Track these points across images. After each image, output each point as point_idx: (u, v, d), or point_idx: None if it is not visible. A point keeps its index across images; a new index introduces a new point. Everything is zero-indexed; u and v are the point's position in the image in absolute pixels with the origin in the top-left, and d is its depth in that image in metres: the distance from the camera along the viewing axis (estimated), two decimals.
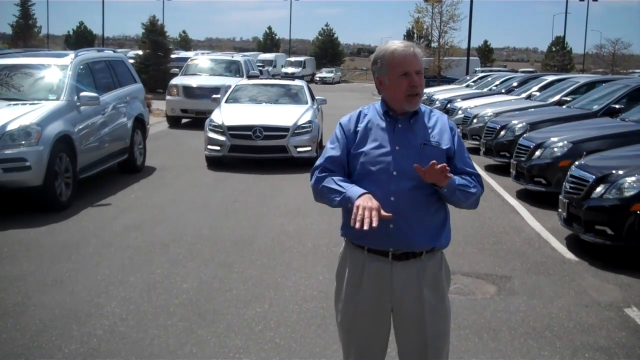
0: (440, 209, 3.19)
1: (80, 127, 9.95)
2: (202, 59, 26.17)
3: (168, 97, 21.18)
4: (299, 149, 12.83)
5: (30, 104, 9.53)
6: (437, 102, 23.48)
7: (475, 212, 9.39)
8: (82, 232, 8.07)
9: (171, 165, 13.04)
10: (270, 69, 52.01)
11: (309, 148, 12.91)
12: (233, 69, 24.19)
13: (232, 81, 18.31)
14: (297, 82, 16.05)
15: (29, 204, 9.03)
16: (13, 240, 7.66)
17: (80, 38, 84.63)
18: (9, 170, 8.55)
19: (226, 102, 14.52)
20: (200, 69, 24.00)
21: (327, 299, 5.81)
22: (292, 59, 71.62)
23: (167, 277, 6.42)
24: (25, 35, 70.96)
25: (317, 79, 67.30)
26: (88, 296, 5.88)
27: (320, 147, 14.17)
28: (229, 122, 12.88)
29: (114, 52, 14.21)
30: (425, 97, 27.68)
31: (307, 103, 14.41)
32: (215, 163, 12.96)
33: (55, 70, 10.48)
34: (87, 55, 11.48)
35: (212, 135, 12.86)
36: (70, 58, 10.74)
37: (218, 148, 12.76)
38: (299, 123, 12.98)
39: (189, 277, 6.42)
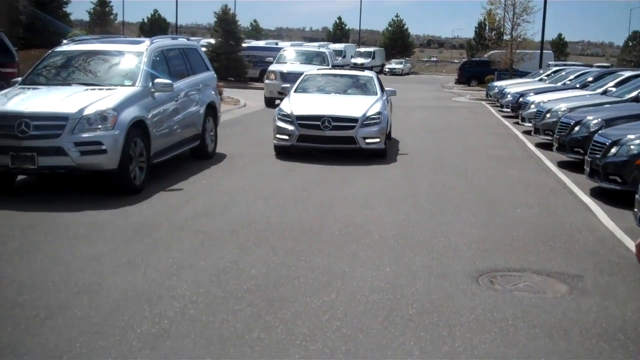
0: None
1: (154, 112, 10.14)
2: (290, 50, 30.00)
3: (267, 81, 24.77)
4: (367, 140, 12.63)
5: (106, 89, 9.77)
6: (509, 96, 23.04)
7: (547, 209, 9.26)
8: (155, 215, 8.24)
9: (241, 152, 13.18)
10: (339, 59, 52.18)
11: (378, 139, 12.71)
12: (319, 59, 27.63)
13: None
14: (367, 73, 15.79)
15: (105, 187, 9.26)
16: (88, 221, 7.88)
17: (154, 26, 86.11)
18: (86, 153, 8.78)
19: (295, 91, 14.45)
20: (291, 59, 27.52)
21: (394, 291, 5.82)
22: (362, 49, 71.39)
23: (236, 262, 6.50)
24: (102, 22, 72.70)
25: (387, 70, 66.98)
26: (160, 278, 6.01)
27: (388, 138, 14.07)
28: (297, 112, 12.81)
29: (188, 40, 14.44)
30: (496, 90, 27.25)
31: (376, 94, 14.18)
32: (283, 152, 12.92)
33: (131, 56, 10.70)
34: (161, 42, 11.69)
35: (280, 124, 12.84)
36: (145, 45, 10.96)
37: (286, 137, 12.73)
38: (368, 114, 12.78)
39: (257, 263, 6.49)
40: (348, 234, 7.65)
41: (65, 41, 11.95)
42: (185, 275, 6.11)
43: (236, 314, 5.24)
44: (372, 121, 12.73)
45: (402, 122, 19.58)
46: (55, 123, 8.77)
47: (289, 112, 12.87)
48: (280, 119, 12.92)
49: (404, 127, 18.43)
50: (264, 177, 10.97)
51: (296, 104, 13.29)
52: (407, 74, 68.30)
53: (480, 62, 48.60)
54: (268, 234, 7.56)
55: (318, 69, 16.90)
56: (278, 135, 12.87)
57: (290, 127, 12.69)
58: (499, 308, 5.53)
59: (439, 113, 24.74)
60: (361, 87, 14.68)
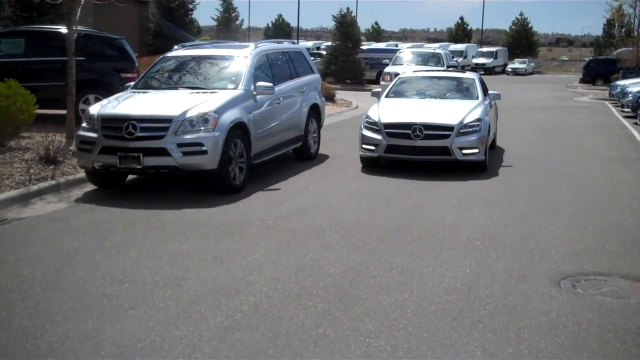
0: None
1: (256, 115, 10.45)
2: (407, 52, 31.39)
3: (382, 83, 25.13)
4: (464, 151, 11.19)
5: (210, 92, 10.18)
6: (630, 95, 22.05)
7: None
8: (249, 214, 8.53)
9: (344, 154, 13.29)
10: (460, 59, 51.59)
11: (477, 150, 11.24)
12: (435, 60, 28.80)
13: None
14: (468, 75, 14.45)
15: (206, 186, 9.65)
16: (187, 218, 8.27)
17: (278, 30, 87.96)
18: (188, 154, 9.19)
19: (386, 96, 13.20)
20: (407, 60, 28.67)
21: (469, 292, 5.80)
22: (484, 49, 70.08)
23: (318, 260, 6.66)
24: (227, 28, 75.07)
25: (509, 69, 65.50)
26: (242, 274, 6.25)
27: (492, 147, 13.04)
28: (385, 119, 11.58)
29: (293, 43, 14.77)
30: (618, 89, 26.13)
31: (477, 98, 12.66)
32: (369, 165, 11.87)
33: (235, 61, 11.10)
34: (266, 46, 12.05)
35: (367, 133, 11.66)
36: (250, 49, 11.33)
37: (373, 148, 11.52)
38: (466, 121, 11.35)
39: (338, 261, 6.62)
40: (434, 235, 7.64)
41: (175, 47, 12.52)
42: (266, 271, 6.32)
43: (307, 310, 5.39)
44: (470, 129, 11.32)
45: (516, 123, 19.26)
46: (159, 125, 9.25)
47: (376, 120, 11.69)
48: (366, 127, 11.76)
49: (516, 127, 18.11)
50: (361, 177, 11.07)
51: (385, 110, 12.07)
52: (531, 73, 66.39)
53: (607, 60, 46.68)
54: (354, 233, 7.67)
55: (413, 71, 15.88)
56: (364, 146, 11.71)
57: (378, 137, 11.49)
58: (575, 312, 5.40)
59: (556, 113, 23.97)
60: (461, 90, 13.29)
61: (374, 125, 11.66)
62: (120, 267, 6.38)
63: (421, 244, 7.28)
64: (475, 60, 63.28)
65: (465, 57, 60.72)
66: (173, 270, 6.31)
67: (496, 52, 67.66)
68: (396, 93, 13.38)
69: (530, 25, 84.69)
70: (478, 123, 11.45)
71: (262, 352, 4.65)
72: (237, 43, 14.02)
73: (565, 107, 27.39)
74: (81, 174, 10.07)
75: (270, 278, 6.13)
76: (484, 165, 11.59)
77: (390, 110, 12.11)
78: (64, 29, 13.76)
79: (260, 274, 6.24)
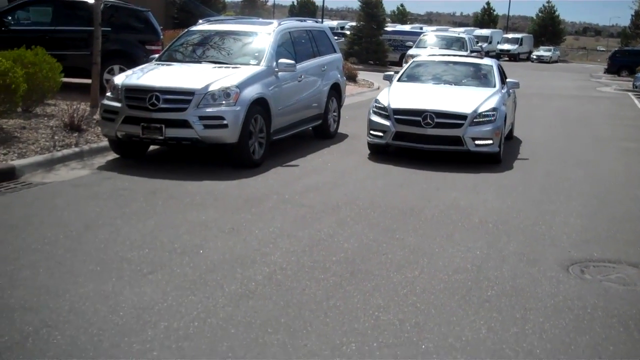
0: None
1: (277, 91, 10.58)
2: (431, 35, 32.07)
3: (404, 65, 24.67)
4: (477, 142, 10.64)
5: (232, 67, 10.32)
6: None
7: None
8: (267, 188, 8.70)
9: (362, 134, 13.21)
10: (484, 45, 51.34)
11: (490, 141, 10.69)
12: (458, 44, 29.31)
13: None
14: (487, 61, 13.55)
15: (226, 160, 9.82)
16: (206, 190, 8.44)
17: (303, 8, 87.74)
18: (209, 127, 9.36)
19: (399, 80, 12.67)
20: (431, 43, 29.24)
21: (479, 273, 5.93)
22: (509, 35, 69.57)
23: (332, 236, 6.81)
24: (253, 4, 74.99)
25: (534, 57, 65.09)
26: (257, 245, 6.42)
27: (509, 138, 12.71)
28: (395, 105, 11.03)
29: (317, 22, 14.84)
30: None
31: (494, 86, 12.03)
32: (377, 152, 11.41)
33: (258, 37, 11.21)
34: (289, 24, 12.15)
35: (375, 119, 11.16)
36: (273, 27, 11.44)
37: (381, 134, 11.03)
38: (480, 110, 10.78)
39: (351, 238, 6.77)
40: (448, 216, 7.76)
41: (200, 21, 12.65)
42: (281, 244, 6.49)
43: (319, 282, 5.54)
44: (485, 119, 10.75)
45: (536, 111, 19.27)
46: (182, 97, 9.40)
47: (385, 105, 11.13)
48: (375, 113, 11.26)
49: (536, 115, 18.12)
50: (378, 157, 11.15)
51: (395, 95, 11.48)
52: (556, 61, 65.94)
53: (633, 51, 46.27)
54: (369, 211, 7.81)
55: (429, 55, 15.31)
56: (372, 132, 11.21)
57: (386, 123, 10.96)
58: (581, 296, 5.52)
59: (577, 103, 23.88)
60: (478, 77, 12.60)
61: (382, 111, 11.15)
62: (140, 234, 6.57)
63: (434, 225, 7.41)
64: (500, 46, 62.96)
65: (490, 42, 60.39)
66: (191, 239, 6.49)
67: (521, 38, 67.18)
68: (409, 77, 12.83)
69: (557, 13, 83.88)
70: (493, 113, 10.88)
71: (274, 320, 4.82)
72: (261, 20, 14.09)
73: (588, 96, 27.26)
74: (104, 142, 10.28)
75: (285, 250, 6.29)
76: (498, 157, 11.02)
77: (401, 95, 11.54)
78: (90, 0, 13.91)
79: (276, 246, 6.40)
